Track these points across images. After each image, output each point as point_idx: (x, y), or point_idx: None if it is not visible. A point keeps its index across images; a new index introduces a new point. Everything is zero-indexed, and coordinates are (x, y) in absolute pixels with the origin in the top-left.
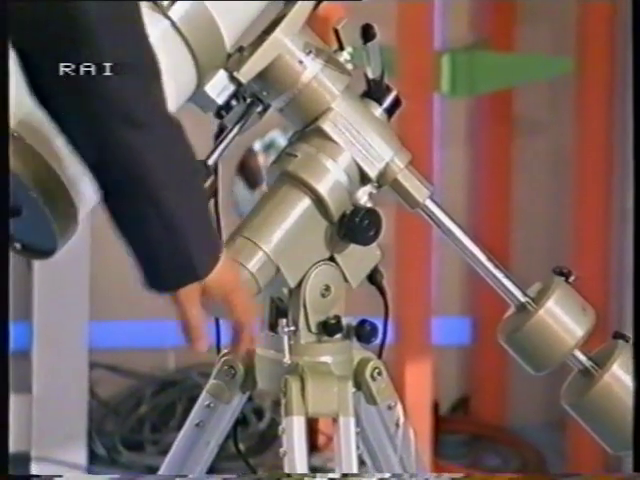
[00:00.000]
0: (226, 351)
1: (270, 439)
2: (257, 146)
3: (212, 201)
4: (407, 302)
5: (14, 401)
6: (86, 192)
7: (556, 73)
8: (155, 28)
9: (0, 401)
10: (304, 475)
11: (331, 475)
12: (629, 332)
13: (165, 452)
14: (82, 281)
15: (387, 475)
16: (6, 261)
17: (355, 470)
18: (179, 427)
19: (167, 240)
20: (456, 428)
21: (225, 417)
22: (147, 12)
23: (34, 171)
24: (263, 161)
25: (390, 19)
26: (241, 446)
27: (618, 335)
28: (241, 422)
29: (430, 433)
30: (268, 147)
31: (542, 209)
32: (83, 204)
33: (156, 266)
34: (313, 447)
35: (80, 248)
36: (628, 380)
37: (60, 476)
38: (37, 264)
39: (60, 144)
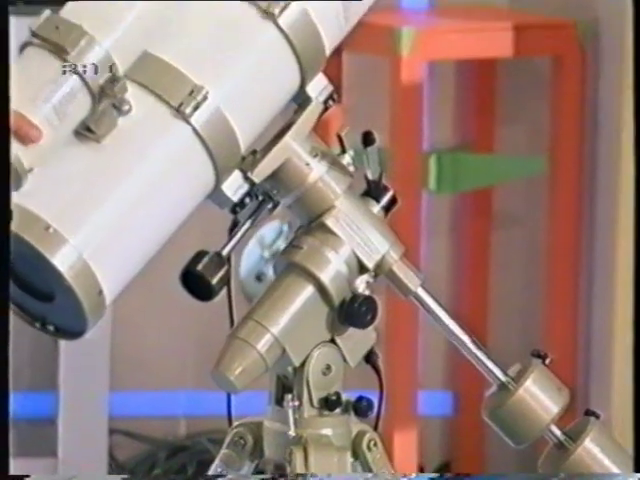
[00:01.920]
0: (237, 424)
1: None
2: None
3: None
4: (396, 377)
5: (42, 464)
6: (114, 282)
7: (531, 172)
8: (177, 134)
9: (0, 403)
10: None
11: None
12: (597, 408)
13: None
14: (103, 354)
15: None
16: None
17: None
18: None
19: None
20: None
21: None
22: (169, 118)
23: (71, 266)
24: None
25: (384, 124)
26: None
27: (589, 412)
28: None
29: None
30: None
31: (518, 295)
32: (110, 292)
33: None
34: None
35: (102, 326)
36: (599, 453)
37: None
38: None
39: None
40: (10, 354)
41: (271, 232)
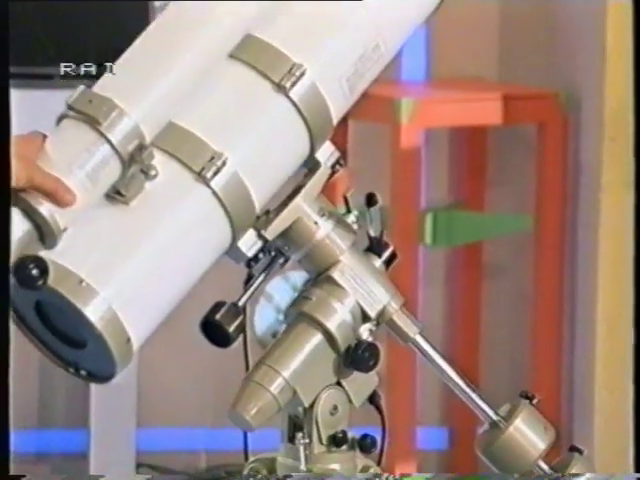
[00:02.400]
0: (253, 459)
1: None
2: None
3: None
4: (397, 415)
5: None
6: (140, 330)
7: (518, 229)
8: (199, 197)
9: (0, 402)
10: None
11: None
12: (580, 445)
13: None
14: (131, 395)
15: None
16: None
17: None
18: None
19: None
20: None
21: None
22: (192, 182)
23: (102, 317)
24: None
25: (385, 185)
26: None
27: (574, 448)
28: None
29: None
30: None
31: (506, 340)
32: (137, 340)
33: None
34: None
35: (130, 368)
36: None
37: None
38: None
39: (122, 292)
40: (10, 354)
41: (278, 290)
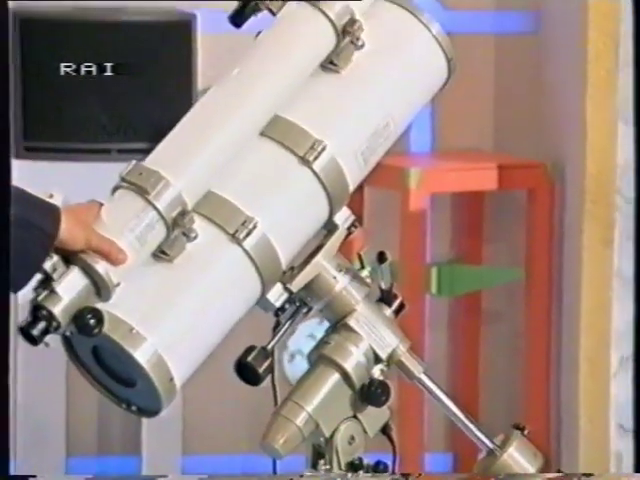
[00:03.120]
0: None
1: None
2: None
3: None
4: (406, 443)
5: None
6: (183, 371)
7: (512, 280)
8: (233, 256)
9: (1, 402)
10: None
11: None
12: (567, 469)
13: None
14: (177, 427)
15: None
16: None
17: None
18: None
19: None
20: None
21: None
22: (227, 243)
23: (149, 359)
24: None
25: (395, 242)
26: None
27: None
28: None
29: None
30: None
31: (502, 377)
32: (180, 379)
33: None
34: None
35: (176, 403)
36: None
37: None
38: None
39: (167, 338)
40: (10, 355)
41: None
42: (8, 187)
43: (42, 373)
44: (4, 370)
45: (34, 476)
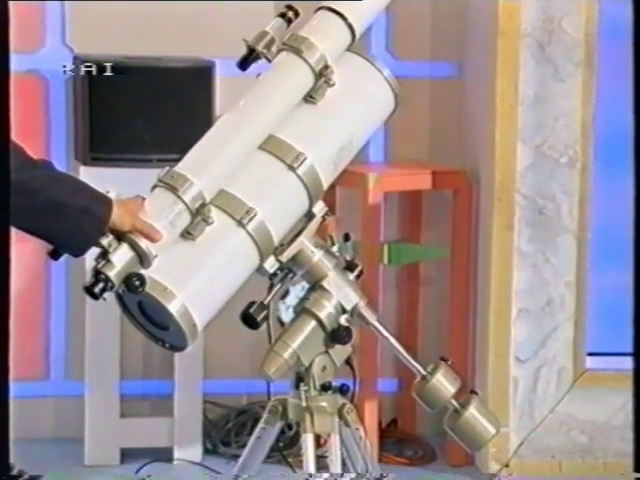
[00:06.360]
0: (273, 399)
1: (295, 442)
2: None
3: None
4: (363, 371)
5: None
6: (203, 319)
7: (441, 255)
8: (240, 237)
9: (1, 402)
10: None
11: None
12: (477, 389)
13: (243, 446)
14: (198, 359)
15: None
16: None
17: (339, 466)
18: (249, 434)
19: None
20: None
21: (272, 433)
22: (235, 228)
23: (178, 310)
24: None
25: (358, 227)
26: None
27: (473, 392)
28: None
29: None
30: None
31: (434, 323)
32: (201, 325)
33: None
34: (318, 445)
35: (198, 342)
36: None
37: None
38: None
39: (191, 295)
40: (10, 353)
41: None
42: (8, 187)
43: (104, 321)
44: (4, 370)
45: (40, 476)
